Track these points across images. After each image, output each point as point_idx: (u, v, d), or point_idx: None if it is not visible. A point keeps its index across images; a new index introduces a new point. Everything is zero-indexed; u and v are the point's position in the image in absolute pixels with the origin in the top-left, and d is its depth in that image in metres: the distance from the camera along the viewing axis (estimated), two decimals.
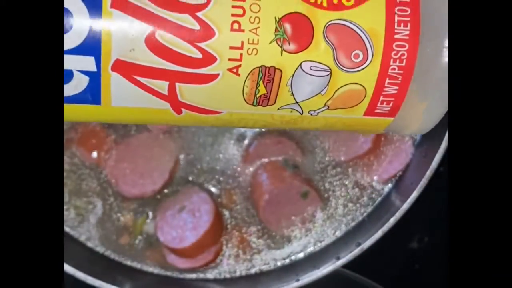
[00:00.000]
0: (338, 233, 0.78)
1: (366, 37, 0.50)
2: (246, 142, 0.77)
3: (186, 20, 0.49)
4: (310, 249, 0.78)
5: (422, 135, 0.77)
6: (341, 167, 0.78)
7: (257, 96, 0.51)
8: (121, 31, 0.48)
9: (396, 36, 0.51)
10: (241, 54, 0.49)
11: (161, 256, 0.78)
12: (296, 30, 0.49)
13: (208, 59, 0.49)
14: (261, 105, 0.52)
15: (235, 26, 0.49)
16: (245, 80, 0.50)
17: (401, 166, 0.77)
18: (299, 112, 0.53)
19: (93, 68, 0.49)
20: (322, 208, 0.78)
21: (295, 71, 0.50)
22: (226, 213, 0.78)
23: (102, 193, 0.78)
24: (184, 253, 0.75)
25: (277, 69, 0.50)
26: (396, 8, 0.51)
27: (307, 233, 0.78)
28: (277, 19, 0.49)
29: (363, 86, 0.52)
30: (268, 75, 0.50)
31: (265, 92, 0.51)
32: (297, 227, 0.78)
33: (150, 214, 0.78)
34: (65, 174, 0.77)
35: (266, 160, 0.77)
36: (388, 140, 0.77)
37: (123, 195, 0.77)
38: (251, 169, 0.77)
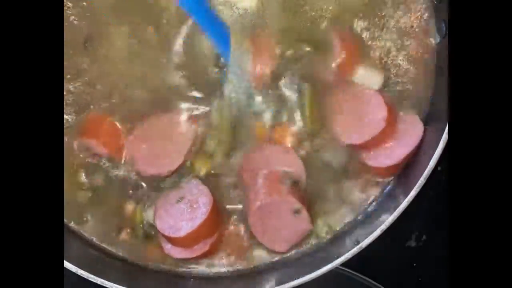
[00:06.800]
0: (337, 232, 0.79)
1: None
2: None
3: None
4: (309, 247, 0.79)
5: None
6: (339, 162, 0.78)
7: None
8: None
9: None
10: None
11: (160, 252, 0.78)
12: None
13: None
14: None
15: None
16: None
17: (414, 145, 0.75)
18: None
19: None
20: (318, 207, 0.78)
21: None
22: (224, 208, 0.78)
23: (105, 184, 0.78)
24: (179, 242, 0.76)
25: None
26: None
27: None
28: None
29: None
30: None
31: None
32: (283, 244, 0.78)
33: (150, 203, 0.78)
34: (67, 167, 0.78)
35: (267, 168, 0.77)
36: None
37: (140, 174, 0.78)
38: (252, 172, 0.77)
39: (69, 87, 0.77)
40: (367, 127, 0.75)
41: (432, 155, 0.71)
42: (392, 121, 0.75)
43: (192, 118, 0.77)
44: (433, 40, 0.78)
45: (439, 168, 0.73)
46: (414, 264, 0.90)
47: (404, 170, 0.77)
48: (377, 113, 0.75)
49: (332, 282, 0.85)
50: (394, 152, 0.76)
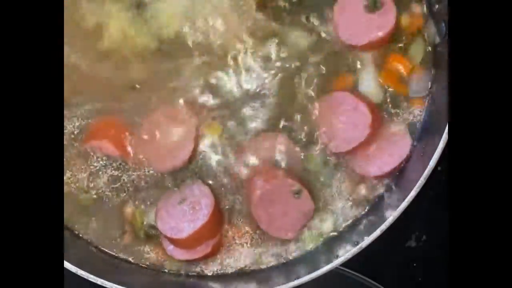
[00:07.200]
0: (337, 232, 0.79)
1: None
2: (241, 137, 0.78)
3: None
4: (308, 248, 0.79)
5: (421, 134, 0.77)
6: (337, 163, 0.78)
7: None
8: None
9: None
10: None
11: (162, 252, 0.78)
12: None
13: None
14: None
15: None
16: None
17: (402, 158, 0.76)
18: None
19: None
20: (317, 208, 0.78)
21: None
22: (226, 208, 0.78)
23: (106, 187, 0.79)
24: (181, 244, 0.76)
25: None
26: None
27: (303, 234, 0.78)
28: None
29: None
30: None
31: None
32: (291, 230, 0.78)
33: (151, 204, 0.78)
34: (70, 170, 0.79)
35: (259, 157, 0.77)
36: (384, 133, 0.77)
37: (157, 170, 0.78)
38: (246, 165, 0.77)
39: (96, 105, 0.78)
40: (351, 135, 0.75)
41: (432, 155, 0.71)
42: (376, 126, 0.76)
43: (191, 107, 0.78)
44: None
45: (439, 168, 0.73)
46: (414, 264, 0.90)
47: (404, 170, 0.77)
48: (361, 120, 0.75)
49: (332, 282, 0.85)
50: (381, 162, 0.77)
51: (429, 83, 0.78)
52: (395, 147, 0.77)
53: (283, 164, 0.77)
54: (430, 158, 0.71)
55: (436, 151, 0.70)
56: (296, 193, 0.75)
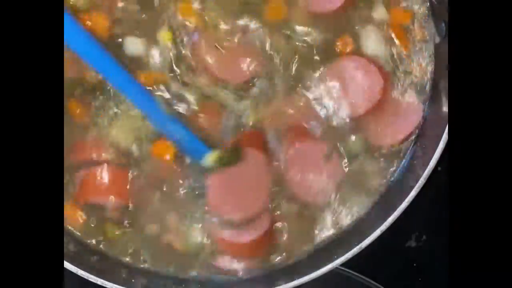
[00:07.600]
0: (337, 232, 0.78)
1: None
2: None
3: None
4: (308, 248, 0.79)
5: (421, 133, 0.78)
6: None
7: None
8: None
9: None
10: None
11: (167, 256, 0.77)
12: None
13: None
14: None
15: None
16: None
17: (415, 125, 0.76)
18: None
19: None
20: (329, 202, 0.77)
21: None
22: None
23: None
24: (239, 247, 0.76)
25: None
26: None
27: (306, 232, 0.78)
28: None
29: None
30: None
31: None
32: (321, 195, 0.76)
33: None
34: None
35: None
36: (394, 99, 0.77)
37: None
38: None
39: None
40: (364, 100, 0.74)
41: (432, 155, 0.71)
42: (387, 89, 0.75)
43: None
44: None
45: (439, 168, 0.73)
46: (414, 264, 0.90)
47: (404, 171, 0.77)
48: (373, 84, 0.74)
49: (332, 282, 0.86)
50: (395, 130, 0.76)
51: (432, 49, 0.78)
52: (407, 114, 0.76)
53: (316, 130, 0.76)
54: (430, 158, 0.71)
55: (436, 151, 0.71)
56: (327, 157, 0.75)
